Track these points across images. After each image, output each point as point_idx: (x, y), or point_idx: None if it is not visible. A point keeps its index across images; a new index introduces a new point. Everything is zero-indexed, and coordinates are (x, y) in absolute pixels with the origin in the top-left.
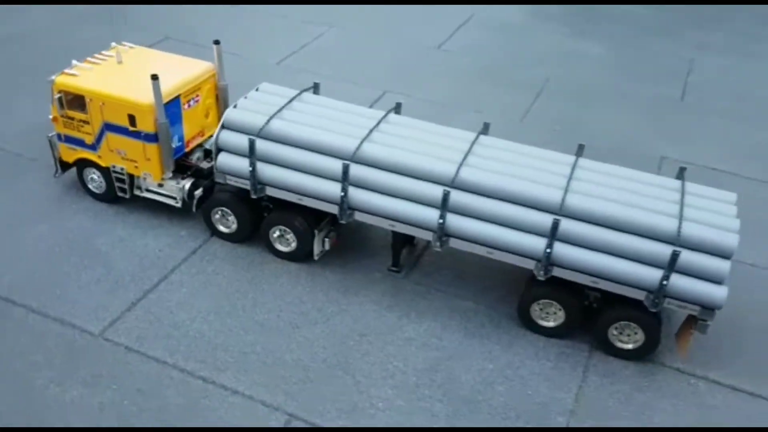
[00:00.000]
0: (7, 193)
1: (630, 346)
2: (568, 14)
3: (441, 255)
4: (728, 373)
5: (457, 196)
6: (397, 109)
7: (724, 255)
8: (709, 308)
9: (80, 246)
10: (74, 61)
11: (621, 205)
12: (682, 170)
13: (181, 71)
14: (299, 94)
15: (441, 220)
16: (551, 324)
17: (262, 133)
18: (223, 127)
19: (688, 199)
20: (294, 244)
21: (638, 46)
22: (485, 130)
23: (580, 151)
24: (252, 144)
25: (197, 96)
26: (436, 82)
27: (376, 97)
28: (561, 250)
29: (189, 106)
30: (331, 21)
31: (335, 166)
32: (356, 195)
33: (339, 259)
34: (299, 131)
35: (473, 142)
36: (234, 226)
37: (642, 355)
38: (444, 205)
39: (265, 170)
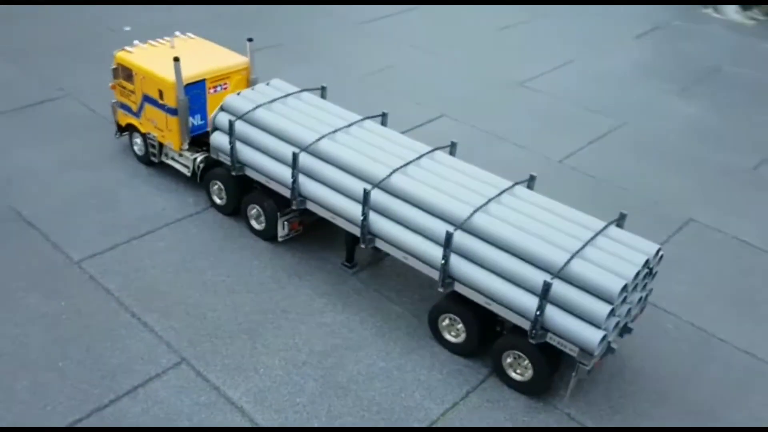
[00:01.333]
0: (77, 141)
1: (519, 378)
2: (679, 71)
3: (399, 263)
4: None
5: (377, 195)
6: (383, 120)
7: (605, 298)
8: (585, 351)
9: (104, 193)
10: (136, 41)
11: (515, 229)
12: (622, 216)
13: (214, 60)
14: (298, 92)
15: (362, 217)
16: (454, 340)
17: (244, 117)
18: (221, 109)
19: (599, 241)
20: (264, 224)
21: (739, 114)
22: (453, 148)
23: (531, 182)
24: (231, 124)
25: (225, 84)
26: (497, 114)
27: (430, 119)
28: (455, 263)
29: (215, 90)
30: (433, 47)
31: (289, 153)
32: (305, 183)
33: (303, 247)
34: (271, 119)
35: (422, 155)
36: (225, 199)
37: (531, 390)
38: (365, 202)
39: (243, 151)
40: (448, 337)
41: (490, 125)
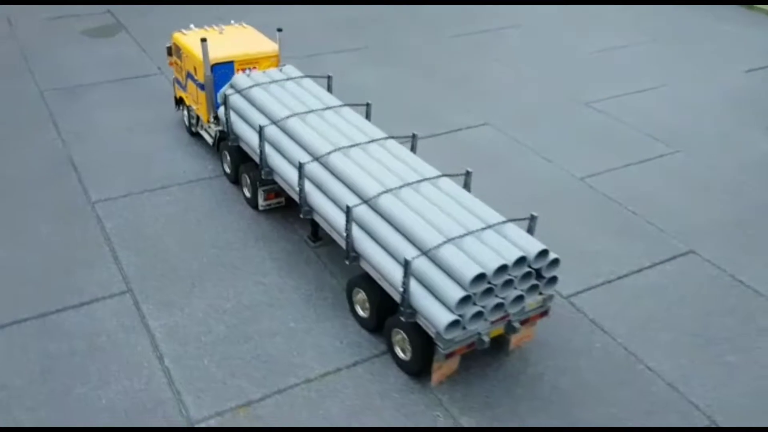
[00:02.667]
0: (149, 111)
1: (403, 357)
2: None
3: None
4: (479, 420)
5: (313, 168)
6: (369, 110)
7: (461, 284)
8: (439, 333)
9: (145, 153)
10: (192, 25)
11: (407, 210)
12: (532, 217)
13: (246, 46)
14: (300, 77)
15: (299, 189)
16: (362, 314)
17: (241, 93)
18: (230, 85)
19: (486, 233)
20: (249, 193)
21: None
22: (414, 140)
23: (467, 178)
24: (226, 97)
25: (254, 67)
26: (542, 129)
27: (470, 125)
28: (357, 236)
29: (243, 72)
30: (516, 63)
31: (258, 124)
32: (270, 155)
33: (281, 217)
34: (259, 97)
35: (373, 140)
36: (230, 168)
37: (411, 370)
38: (301, 174)
39: (236, 123)
40: (358, 310)
41: (529, 138)
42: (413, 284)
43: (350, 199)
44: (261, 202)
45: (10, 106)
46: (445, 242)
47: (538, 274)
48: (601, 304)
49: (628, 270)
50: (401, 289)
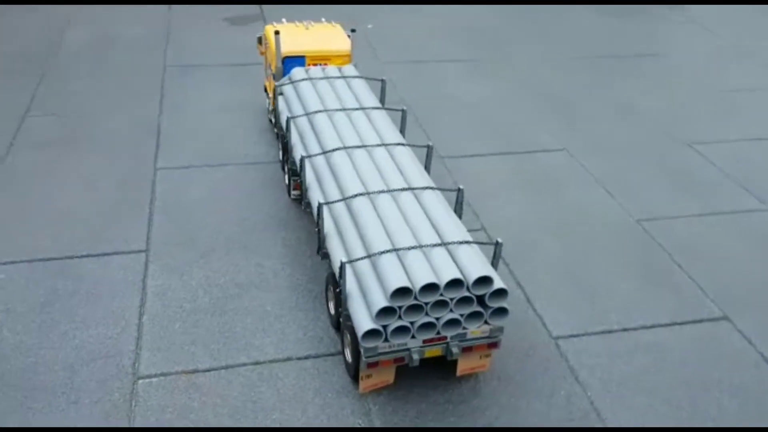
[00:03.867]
0: (243, 92)
1: (348, 358)
2: None
3: None
4: None
5: (316, 162)
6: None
7: (385, 294)
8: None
9: (222, 131)
10: (283, 19)
11: (371, 215)
12: (497, 243)
13: (321, 42)
14: (353, 77)
15: (300, 180)
16: (331, 311)
17: (294, 85)
18: (288, 77)
19: (436, 250)
20: (287, 181)
21: None
22: (429, 150)
23: (459, 194)
24: (275, 89)
25: (325, 64)
26: (622, 162)
27: (547, 148)
28: (328, 232)
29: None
30: (635, 96)
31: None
32: (295, 144)
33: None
34: (303, 90)
35: (382, 144)
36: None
37: (351, 374)
38: (302, 167)
39: (282, 113)
40: (329, 307)
41: (601, 170)
42: (352, 288)
43: (335, 197)
44: (291, 190)
45: (133, 76)
46: (387, 251)
47: (483, 303)
48: (587, 353)
49: (639, 324)
50: (337, 290)
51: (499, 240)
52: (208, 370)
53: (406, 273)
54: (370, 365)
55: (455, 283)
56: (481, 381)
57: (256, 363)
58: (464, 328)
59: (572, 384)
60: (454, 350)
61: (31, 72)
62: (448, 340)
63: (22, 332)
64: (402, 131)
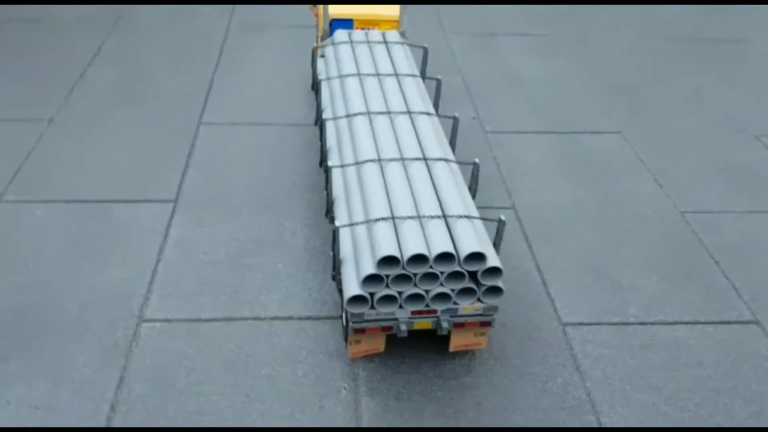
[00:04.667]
0: (302, 56)
1: (343, 322)
2: None
3: None
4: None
5: (339, 123)
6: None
7: (374, 260)
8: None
9: (271, 92)
10: None
11: (377, 178)
12: (501, 221)
13: (371, 7)
14: (395, 43)
15: (320, 142)
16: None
17: (334, 46)
18: (330, 39)
19: (433, 223)
20: None
21: None
22: (455, 122)
23: (475, 168)
24: (313, 51)
25: (374, 28)
26: (677, 151)
27: (601, 130)
28: (336, 194)
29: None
30: (710, 94)
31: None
32: (325, 107)
33: None
34: (342, 52)
35: (406, 112)
36: None
37: (343, 338)
38: (322, 130)
39: (319, 75)
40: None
41: (655, 157)
42: (347, 253)
43: (350, 161)
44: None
45: (200, 32)
46: (382, 219)
47: (477, 280)
48: (595, 343)
49: (658, 319)
50: (332, 252)
51: (502, 218)
52: (211, 320)
53: (398, 242)
54: (357, 331)
55: (446, 257)
56: (476, 359)
57: (258, 318)
58: (455, 303)
59: (571, 372)
60: (444, 325)
61: (104, 21)
62: (438, 314)
63: (47, 269)
64: (436, 101)
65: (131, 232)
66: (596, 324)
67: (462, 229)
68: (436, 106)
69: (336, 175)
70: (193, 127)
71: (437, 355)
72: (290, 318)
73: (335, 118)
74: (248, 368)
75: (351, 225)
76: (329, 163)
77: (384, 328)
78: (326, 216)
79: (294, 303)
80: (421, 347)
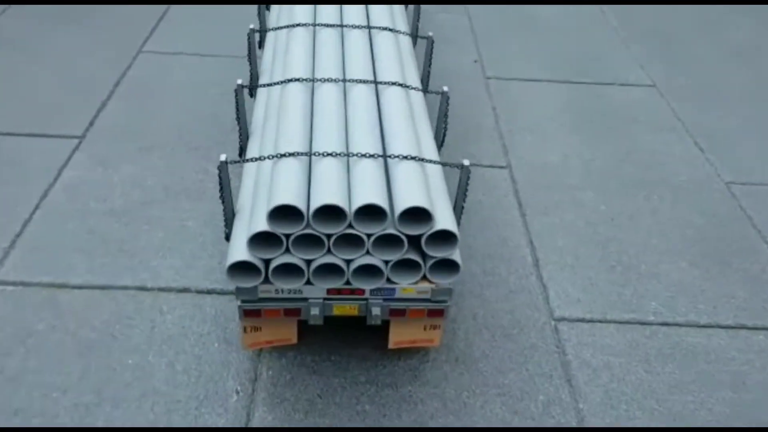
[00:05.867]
0: None
1: None
2: None
3: None
4: None
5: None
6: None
7: (267, 212)
8: None
9: (228, 22)
10: None
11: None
12: (463, 167)
13: None
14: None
15: None
16: None
17: None
18: None
19: (363, 164)
20: None
21: None
22: (429, 44)
23: (442, 96)
24: None
25: None
26: (728, 108)
27: (632, 82)
28: None
29: None
30: None
31: None
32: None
33: None
34: None
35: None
36: None
37: None
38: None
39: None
40: None
41: (696, 116)
42: (245, 202)
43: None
44: None
45: None
46: (289, 155)
47: (421, 250)
48: (597, 348)
49: (688, 319)
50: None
51: (465, 163)
52: (80, 287)
53: (309, 189)
54: (249, 314)
55: (374, 213)
56: (429, 360)
57: (141, 288)
58: (390, 281)
59: (559, 388)
60: (376, 311)
61: None
62: (367, 295)
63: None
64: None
65: (15, 171)
66: (600, 321)
67: (404, 174)
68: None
69: (259, 101)
70: (131, 55)
71: (377, 353)
72: (185, 290)
73: (276, 29)
74: (110, 355)
75: (244, 161)
76: (238, 81)
77: (288, 312)
78: (240, 156)
79: (195, 272)
80: (357, 340)
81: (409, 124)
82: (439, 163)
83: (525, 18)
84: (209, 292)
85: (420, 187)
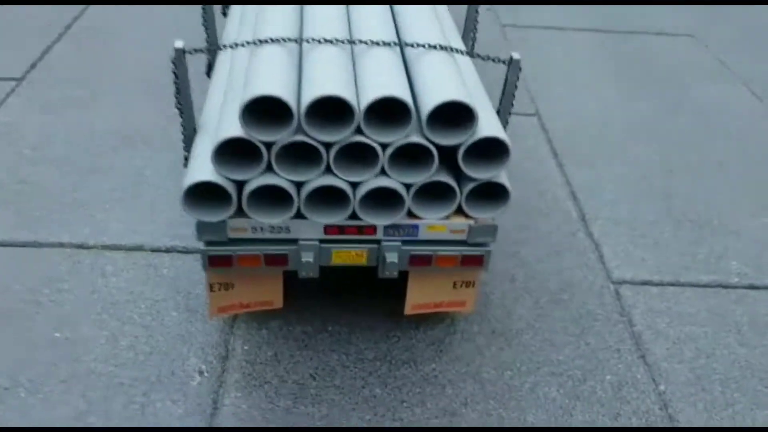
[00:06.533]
0: None
1: None
2: None
3: None
4: None
5: None
6: None
7: (240, 109)
8: None
9: None
10: None
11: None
12: (512, 60)
13: None
14: None
15: None
16: None
17: None
18: None
19: (375, 53)
20: None
21: None
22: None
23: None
24: None
25: None
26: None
27: (668, 31)
28: None
29: None
30: None
31: None
32: None
33: None
34: None
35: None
36: None
37: None
38: None
39: None
40: None
41: (747, 64)
42: (209, 119)
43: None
44: None
45: None
46: (272, 40)
47: (454, 171)
48: (671, 315)
49: None
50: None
51: (516, 56)
52: (2, 245)
53: (300, 81)
54: (216, 261)
55: (392, 115)
56: (458, 332)
57: (80, 246)
58: (412, 215)
59: (631, 366)
60: (390, 258)
61: None
62: (380, 236)
63: None
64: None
65: None
66: (673, 285)
67: (432, 66)
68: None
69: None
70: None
71: (389, 321)
72: (138, 249)
73: None
74: (32, 328)
75: (208, 49)
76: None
77: (271, 259)
78: (207, 74)
79: (152, 227)
80: (362, 305)
81: (435, 24)
82: (477, 56)
83: None
84: (168, 250)
85: (454, 79)
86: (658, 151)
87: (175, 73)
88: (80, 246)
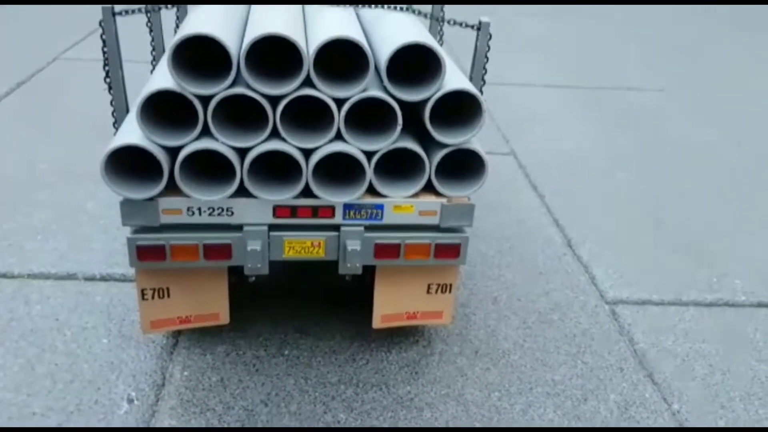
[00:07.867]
0: None
1: None
2: None
3: None
4: None
5: None
6: None
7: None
8: None
9: None
10: None
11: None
12: (481, 24)
13: None
14: None
15: None
16: None
17: None
18: None
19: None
20: None
21: None
22: None
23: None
24: None
25: None
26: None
27: (643, 87)
28: None
29: None
30: None
31: None
32: None
33: None
34: None
35: None
36: None
37: None
38: None
39: None
40: None
41: (716, 112)
42: (159, 76)
43: None
44: None
45: None
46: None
47: (424, 134)
48: (677, 333)
49: None
50: None
51: (484, 19)
52: None
53: (243, 34)
54: (145, 253)
55: (347, 69)
56: (435, 353)
57: (2, 276)
58: (376, 193)
59: (638, 384)
60: (352, 246)
61: None
62: (339, 219)
63: None
64: None
65: None
66: (675, 304)
67: (393, 20)
68: None
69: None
70: (45, 60)
71: (358, 341)
72: (70, 277)
73: None
74: None
75: (141, 11)
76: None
77: (211, 251)
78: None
79: (88, 256)
80: (320, 324)
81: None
82: (444, 21)
83: (528, 36)
84: (104, 278)
85: (417, 26)
86: (641, 181)
87: (103, 38)
88: (2, 275)
